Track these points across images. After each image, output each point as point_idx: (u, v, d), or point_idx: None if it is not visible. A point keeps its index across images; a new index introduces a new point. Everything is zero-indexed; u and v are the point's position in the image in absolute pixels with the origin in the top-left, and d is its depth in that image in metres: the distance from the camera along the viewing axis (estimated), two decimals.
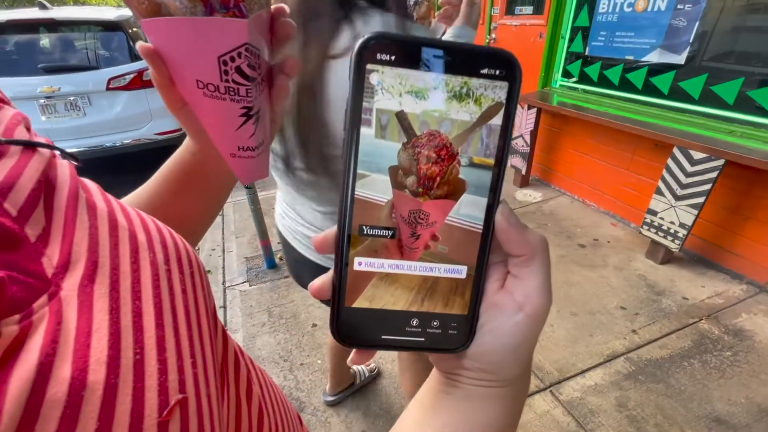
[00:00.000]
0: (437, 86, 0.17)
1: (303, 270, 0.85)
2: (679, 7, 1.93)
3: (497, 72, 0.17)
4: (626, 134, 2.13)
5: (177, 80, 0.25)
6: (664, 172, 1.89)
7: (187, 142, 0.35)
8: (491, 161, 0.18)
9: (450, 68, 0.17)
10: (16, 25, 2.75)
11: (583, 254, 2.09)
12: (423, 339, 0.19)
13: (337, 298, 0.19)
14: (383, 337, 0.19)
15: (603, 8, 2.27)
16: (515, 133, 2.71)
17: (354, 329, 0.19)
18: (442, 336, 0.19)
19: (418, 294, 0.19)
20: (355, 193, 0.18)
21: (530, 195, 2.73)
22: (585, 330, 1.62)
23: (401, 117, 0.18)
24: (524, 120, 2.59)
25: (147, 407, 0.17)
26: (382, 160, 0.18)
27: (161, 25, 0.23)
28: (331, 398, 1.39)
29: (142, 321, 0.19)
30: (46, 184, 0.19)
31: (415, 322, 0.19)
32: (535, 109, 2.51)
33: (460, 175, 0.18)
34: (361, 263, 0.19)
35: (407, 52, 0.17)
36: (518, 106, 2.58)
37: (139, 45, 0.24)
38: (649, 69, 2.12)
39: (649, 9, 2.05)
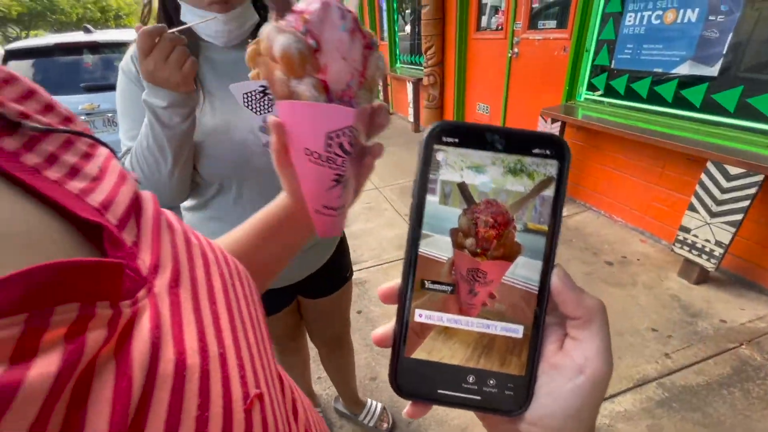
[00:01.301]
0: (495, 163, 0.20)
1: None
2: (710, 18, 1.88)
3: (548, 152, 0.20)
4: (656, 148, 2.08)
5: (291, 147, 0.32)
6: (698, 188, 1.82)
7: (281, 197, 0.42)
8: (545, 227, 0.20)
9: (506, 149, 0.20)
10: (62, 47, 2.96)
11: (610, 272, 2.03)
12: (479, 397, 0.20)
13: (397, 348, 0.20)
14: (439, 391, 0.20)
15: (630, 21, 2.24)
16: None
17: (411, 380, 0.20)
18: (499, 396, 0.20)
19: (475, 350, 0.20)
20: (419, 250, 0.20)
21: None
22: (613, 352, 1.56)
23: (462, 187, 0.20)
24: None
25: (234, 395, 0.20)
26: (445, 223, 0.20)
27: (294, 106, 0.29)
28: (341, 408, 1.40)
29: (219, 322, 0.22)
30: (135, 204, 0.23)
31: (471, 379, 0.20)
32: (558, 123, 2.48)
33: (516, 239, 0.20)
34: (421, 315, 0.20)
35: (469, 136, 0.20)
36: (542, 119, 2.56)
37: (270, 119, 0.31)
38: (679, 81, 2.07)
39: (679, 21, 2.01)
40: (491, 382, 0.20)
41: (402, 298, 0.20)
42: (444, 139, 0.20)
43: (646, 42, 2.18)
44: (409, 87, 4.73)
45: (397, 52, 5.58)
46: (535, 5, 2.92)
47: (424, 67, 4.30)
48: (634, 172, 2.34)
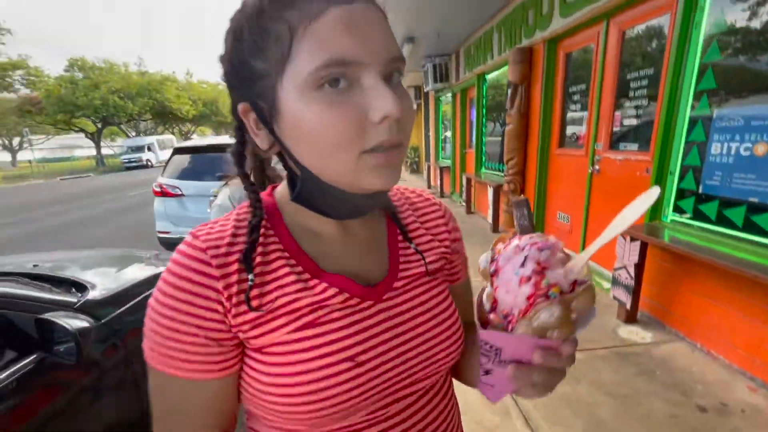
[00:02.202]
0: None
1: None
2: None
3: None
4: (760, 283, 1.88)
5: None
6: None
7: None
8: None
9: None
10: (209, 148, 4.14)
11: (703, 420, 1.74)
12: None
13: None
14: None
15: (716, 150, 2.23)
16: (617, 264, 2.57)
17: None
18: None
19: None
20: None
21: (637, 333, 2.44)
22: None
23: None
24: (627, 251, 2.47)
25: None
26: None
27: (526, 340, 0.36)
28: None
29: None
30: None
31: None
32: (638, 242, 2.40)
33: None
34: None
35: None
36: (621, 237, 2.50)
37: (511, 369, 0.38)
38: None
39: None
40: None
41: None
42: None
43: (737, 171, 2.12)
44: (490, 191, 4.98)
45: (483, 159, 6.00)
46: (616, 129, 3.06)
47: (505, 175, 4.55)
48: (739, 305, 2.08)
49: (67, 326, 1.11)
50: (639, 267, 2.43)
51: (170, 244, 4.08)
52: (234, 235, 0.41)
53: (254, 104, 0.39)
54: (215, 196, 3.64)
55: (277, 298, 0.40)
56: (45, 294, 1.35)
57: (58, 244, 5.89)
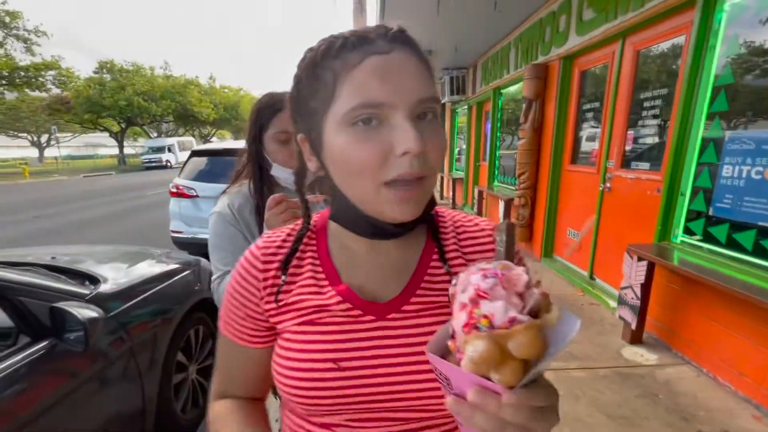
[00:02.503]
0: None
1: None
2: None
3: None
4: (765, 309, 1.84)
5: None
6: None
7: None
8: None
9: None
10: (224, 151, 4.25)
11: None
12: None
13: None
14: None
15: (727, 172, 2.20)
16: (624, 283, 2.54)
17: None
18: None
19: None
20: None
21: (642, 355, 2.40)
22: None
23: None
24: (634, 271, 2.44)
25: None
26: None
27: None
28: None
29: None
30: None
31: None
32: (645, 263, 2.37)
33: None
34: None
35: None
36: (628, 256, 2.48)
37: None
38: None
39: None
40: None
41: None
42: None
43: (748, 195, 2.09)
44: (501, 204, 4.97)
45: (496, 172, 6.00)
46: (628, 147, 3.04)
47: (516, 189, 4.54)
48: (747, 331, 2.04)
49: (78, 315, 1.17)
50: (646, 287, 2.40)
51: (182, 244, 4.17)
52: (284, 241, 0.53)
53: (308, 135, 0.47)
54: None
55: (294, 296, 0.49)
56: (60, 284, 1.42)
57: (79, 239, 6.09)
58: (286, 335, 0.49)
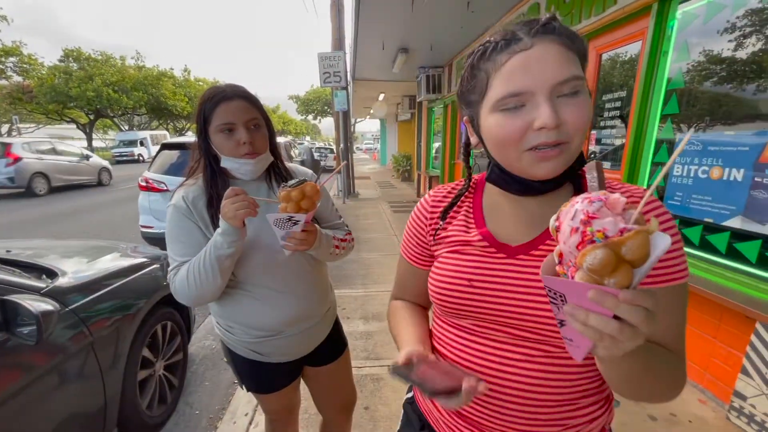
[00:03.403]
0: None
1: None
2: (757, 179, 1.92)
3: None
4: (708, 300, 1.97)
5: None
6: (749, 350, 1.67)
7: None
8: None
9: None
10: (195, 144, 4.04)
11: (651, 428, 1.82)
12: None
13: None
14: None
15: (677, 172, 2.34)
16: None
17: None
18: None
19: None
20: None
21: None
22: None
23: None
24: None
25: None
26: None
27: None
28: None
29: None
30: None
31: None
32: None
33: None
34: None
35: None
36: None
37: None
38: (732, 233, 2.03)
39: (725, 178, 2.07)
40: None
41: None
42: None
43: (695, 193, 2.24)
44: None
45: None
46: (591, 147, 3.18)
47: None
48: (691, 321, 2.18)
49: (30, 308, 1.15)
50: None
51: (152, 239, 4.04)
52: (449, 193, 0.73)
53: (471, 118, 0.62)
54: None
55: (448, 232, 0.68)
56: (13, 278, 1.38)
57: (43, 233, 5.83)
58: (440, 259, 0.67)
